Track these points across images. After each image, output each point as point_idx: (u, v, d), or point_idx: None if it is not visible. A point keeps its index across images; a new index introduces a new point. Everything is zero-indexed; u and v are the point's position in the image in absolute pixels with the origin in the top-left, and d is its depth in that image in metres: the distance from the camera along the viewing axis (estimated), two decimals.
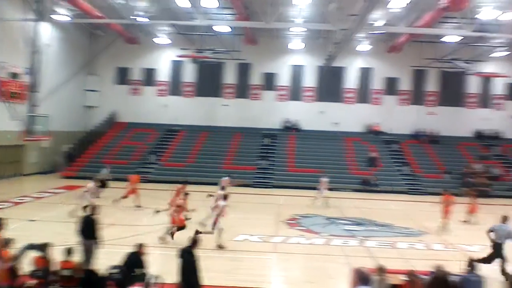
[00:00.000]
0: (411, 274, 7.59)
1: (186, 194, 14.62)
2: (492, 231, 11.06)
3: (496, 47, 29.71)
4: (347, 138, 32.44)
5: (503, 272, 10.46)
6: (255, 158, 29.77)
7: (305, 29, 29.19)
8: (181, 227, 12.71)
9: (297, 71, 34.46)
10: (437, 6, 21.85)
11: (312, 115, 33.86)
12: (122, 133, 32.63)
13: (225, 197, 13.31)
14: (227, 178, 20.48)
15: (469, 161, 29.67)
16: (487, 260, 10.75)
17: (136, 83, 35.00)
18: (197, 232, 12.05)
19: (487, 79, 32.90)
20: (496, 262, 10.72)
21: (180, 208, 13.11)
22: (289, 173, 28.05)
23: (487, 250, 12.96)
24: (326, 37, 30.14)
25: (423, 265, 9.71)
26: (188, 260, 7.70)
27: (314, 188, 21.67)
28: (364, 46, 31.85)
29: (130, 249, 8.60)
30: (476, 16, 23.08)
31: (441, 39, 28.42)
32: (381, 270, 7.46)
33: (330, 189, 23.66)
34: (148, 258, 8.64)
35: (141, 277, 8.20)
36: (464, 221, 17.86)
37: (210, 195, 15.37)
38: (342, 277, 9.80)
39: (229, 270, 10.56)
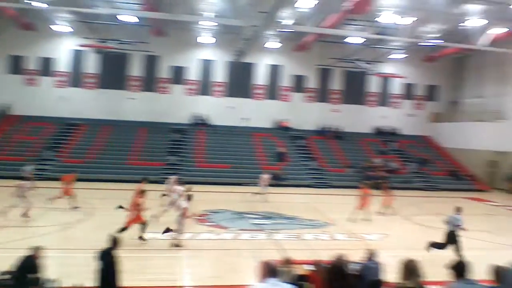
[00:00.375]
0: (316, 264, 7.77)
1: (143, 191, 13.77)
2: (447, 221, 12.14)
3: (394, 50, 31.91)
4: (256, 133, 32.77)
5: (459, 256, 11.21)
6: (163, 154, 28.85)
7: (215, 24, 28.87)
8: (143, 224, 12.53)
9: (206, 66, 34.05)
10: (342, 8, 22.84)
11: (222, 110, 33.70)
12: (15, 127, 29.71)
13: (189, 198, 12.89)
14: (174, 177, 19.54)
15: (370, 155, 31.60)
16: (442, 246, 11.85)
17: (32, 73, 32.09)
18: (168, 230, 12.20)
19: (386, 79, 35.31)
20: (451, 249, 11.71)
21: (140, 206, 12.69)
22: (198, 169, 27.60)
23: (386, 239, 13.82)
24: (236, 32, 30.09)
25: (328, 255, 9.93)
26: (108, 262, 7.22)
27: (224, 184, 21.56)
28: (273, 43, 32.37)
29: (24, 253, 7.81)
30: (377, 19, 24.50)
31: (345, 40, 29.78)
32: (288, 262, 7.55)
33: (240, 184, 23.81)
34: (45, 261, 7.85)
35: (35, 282, 7.49)
36: (379, 213, 18.64)
37: (164, 195, 15.91)
38: (250, 270, 9.71)
39: (136, 270, 9.92)
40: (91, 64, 32.53)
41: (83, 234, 13.39)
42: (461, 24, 25.37)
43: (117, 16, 25.94)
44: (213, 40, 32.68)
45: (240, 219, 16.90)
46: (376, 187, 20.39)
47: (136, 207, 12.61)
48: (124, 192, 19.45)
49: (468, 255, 10.41)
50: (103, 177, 24.54)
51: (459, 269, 4.70)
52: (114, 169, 25.63)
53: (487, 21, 24.47)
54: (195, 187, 23.94)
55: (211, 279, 9.96)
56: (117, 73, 32.88)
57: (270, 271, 4.51)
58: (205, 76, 34.01)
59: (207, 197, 21.62)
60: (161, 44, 31.78)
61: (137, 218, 12.53)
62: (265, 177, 21.53)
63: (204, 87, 34.02)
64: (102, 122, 31.41)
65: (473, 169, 31.35)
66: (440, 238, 12.28)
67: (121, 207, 14.13)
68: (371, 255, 8.19)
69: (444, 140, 34.98)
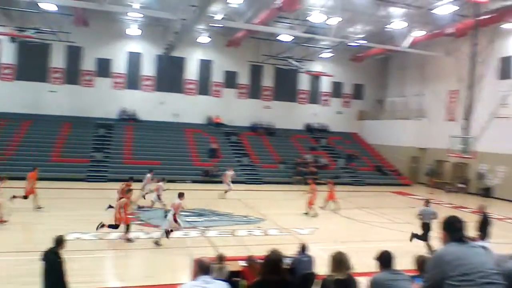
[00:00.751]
0: (249, 259, 7.65)
1: (130, 190, 13.85)
2: (420, 214, 13.05)
3: (323, 49, 32.75)
4: (188, 129, 32.12)
5: (428, 246, 12.25)
6: (88, 150, 27.34)
7: (142, 15, 27.84)
8: (127, 225, 12.43)
9: (134, 59, 32.69)
10: (273, 5, 22.98)
11: (151, 105, 32.58)
12: None
13: (180, 195, 12.69)
14: (149, 174, 18.99)
15: (301, 152, 32.21)
16: (424, 238, 12.60)
17: None
18: (102, 226, 12.18)
19: (316, 77, 36.15)
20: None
21: (125, 205, 12.62)
22: (125, 166, 26.45)
23: (316, 233, 14.03)
24: (166, 25, 29.33)
25: (261, 250, 9.87)
26: (53, 262, 6.80)
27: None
28: (204, 38, 31.91)
29: None
30: (307, 18, 24.94)
31: (277, 38, 30.06)
32: (221, 258, 7.53)
33: (171, 181, 23.05)
34: None
35: None
36: (321, 207, 18.82)
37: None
38: (183, 268, 9.48)
39: None
40: (7, 54, 29.96)
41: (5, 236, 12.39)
42: (385, 26, 26.58)
43: (37, 4, 24.18)
44: (141, 32, 31.48)
45: None
46: (306, 182, 20.80)
47: (121, 207, 12.48)
48: (47, 191, 18.25)
49: (393, 246, 10.81)
50: (23, 175, 22.64)
51: (384, 259, 4.74)
52: (35, 166, 23.75)
53: (408, 24, 25.81)
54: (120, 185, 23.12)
55: (142, 278, 9.60)
56: (36, 64, 30.56)
57: (201, 268, 4.32)
58: (133, 69, 32.64)
59: (136, 195, 20.76)
60: (85, 34, 30.03)
61: (121, 218, 12.36)
62: (229, 173, 21.85)
63: (132, 81, 32.66)
64: (21, 116, 29.01)
65: (396, 165, 33.04)
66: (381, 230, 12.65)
67: (110, 206, 13.98)
68: (303, 249, 8.27)
69: (370, 137, 36.55)
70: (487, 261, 3.41)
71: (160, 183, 17.19)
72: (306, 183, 27.82)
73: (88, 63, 31.61)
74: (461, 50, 25.37)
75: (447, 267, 3.33)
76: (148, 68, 32.95)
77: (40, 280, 6.78)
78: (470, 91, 24.47)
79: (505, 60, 26.05)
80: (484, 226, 11.95)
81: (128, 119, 31.86)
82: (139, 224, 14.89)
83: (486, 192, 25.91)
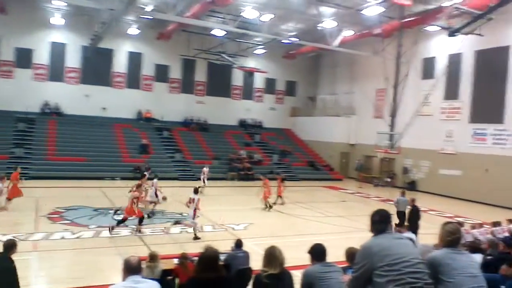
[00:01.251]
0: (183, 257, 7.55)
1: (140, 186, 14.45)
2: (396, 203, 14.38)
3: (256, 45, 32.79)
4: (116, 124, 30.75)
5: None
6: (7, 146, 25.27)
7: (66, 4, 26.21)
8: (141, 218, 13.18)
9: (58, 49, 30.60)
10: None
11: (76, 99, 30.69)
12: None
13: (195, 191, 13.55)
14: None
15: (235, 147, 32.06)
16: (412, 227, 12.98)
17: None
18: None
19: (249, 73, 36.14)
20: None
21: (138, 199, 13.36)
22: (49, 162, 24.80)
23: (251, 228, 13.98)
24: (92, 15, 27.85)
25: (196, 248, 9.65)
26: (5, 268, 6.25)
27: (80, 178, 19.79)
28: (134, 30, 30.69)
29: None
30: (241, 14, 24.77)
31: (210, 32, 29.62)
32: (153, 257, 7.36)
33: (99, 178, 22.13)
34: None
35: None
36: (274, 203, 18.90)
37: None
38: (113, 269, 9.07)
39: None
40: None
41: None
42: (317, 25, 27.13)
43: None
44: (66, 21, 29.61)
45: (100, 215, 15.56)
46: (245, 178, 20.92)
47: (134, 201, 13.11)
48: None
49: (326, 239, 11.00)
50: None
51: (316, 252, 4.80)
52: None
53: (338, 24, 26.51)
54: (45, 183, 21.67)
55: (70, 280, 8.99)
56: None
57: (129, 268, 4.05)
58: (57, 60, 30.52)
59: (61, 193, 19.61)
60: (3, 22, 27.73)
61: (132, 211, 13.01)
62: (205, 170, 22.36)
63: (55, 73, 30.52)
64: None
65: (328, 160, 33.96)
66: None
67: (117, 211, 14.49)
68: (238, 245, 8.26)
69: (303, 133, 37.27)
70: (412, 252, 3.55)
71: (155, 180, 17.05)
72: (240, 179, 27.91)
73: (6, 53, 29.10)
74: (387, 51, 26.52)
75: (375, 258, 3.45)
76: (73, 60, 31.03)
77: None
78: (396, 90, 25.69)
79: (427, 61, 27.63)
80: (414, 217, 12.51)
81: (51, 113, 29.86)
82: (64, 224, 14.04)
83: (411, 186, 27.44)
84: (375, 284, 3.43)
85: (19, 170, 16.89)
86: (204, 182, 22.02)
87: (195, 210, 12.99)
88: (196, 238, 12.65)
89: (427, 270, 3.52)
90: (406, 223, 12.04)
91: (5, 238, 11.37)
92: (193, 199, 13.15)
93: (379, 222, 3.72)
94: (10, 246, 6.50)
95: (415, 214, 12.70)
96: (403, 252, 3.46)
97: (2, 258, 6.36)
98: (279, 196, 19.58)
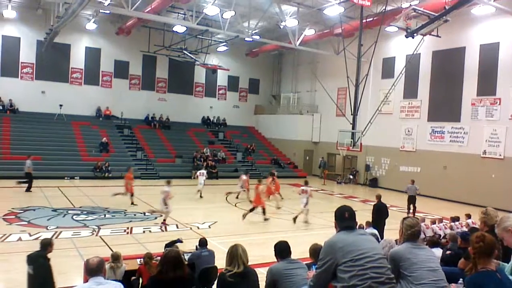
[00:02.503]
0: (146, 257, 7.41)
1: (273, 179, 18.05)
2: (407, 189, 18.58)
3: (219, 42, 32.55)
4: (74, 122, 29.74)
5: (414, 213, 17.82)
6: None
7: None
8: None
9: (11, 43, 29.20)
10: None
11: (31, 95, 29.41)
12: None
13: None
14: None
15: (198, 145, 31.73)
16: (409, 207, 18.20)
17: None
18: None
19: (212, 71, 35.80)
20: None
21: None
22: (3, 161, 23.73)
23: (216, 226, 13.91)
24: (47, 9, 26.80)
25: (159, 247, 9.52)
26: (41, 264, 6.64)
27: (35, 178, 19.00)
28: (92, 24, 29.73)
29: None
30: (203, 11, 24.50)
31: (172, 28, 29.17)
32: (116, 257, 7.22)
33: (56, 178, 21.37)
34: None
35: None
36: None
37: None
38: (74, 270, 8.92)
39: None
40: None
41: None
42: (278, 23, 27.26)
43: None
44: (19, 14, 28.37)
45: (59, 216, 15.00)
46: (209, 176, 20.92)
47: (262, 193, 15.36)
48: None
49: (289, 236, 11.09)
50: None
51: (280, 249, 4.87)
52: None
53: (300, 23, 26.73)
54: None
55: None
56: None
57: (92, 269, 3.97)
58: (9, 55, 29.04)
59: (16, 194, 18.78)
60: None
61: (260, 201, 15.61)
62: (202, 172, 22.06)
63: (8, 68, 29.06)
64: None
65: (292, 158, 34.22)
66: None
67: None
68: (202, 243, 8.22)
69: (266, 131, 37.40)
70: (375, 247, 3.64)
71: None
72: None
73: None
74: (348, 50, 26.96)
75: (338, 254, 3.49)
76: (27, 55, 29.75)
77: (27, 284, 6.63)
78: (357, 89, 26.14)
79: (387, 61, 28.32)
80: (380, 214, 12.69)
81: (4, 110, 28.55)
82: (21, 225, 13.45)
83: (373, 183, 28.07)
84: (339, 279, 3.47)
85: None
86: (201, 184, 21.02)
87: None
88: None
89: (389, 265, 3.62)
90: (372, 219, 12.21)
91: None
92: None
93: (341, 219, 3.75)
94: (47, 244, 6.92)
95: (381, 210, 12.85)
96: (366, 248, 3.51)
97: (39, 256, 6.78)
98: (277, 194, 20.23)
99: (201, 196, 20.43)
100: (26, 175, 19.55)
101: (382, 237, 10.17)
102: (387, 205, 13.37)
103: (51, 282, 6.82)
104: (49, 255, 6.87)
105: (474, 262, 3.39)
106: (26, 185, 19.51)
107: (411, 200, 18.37)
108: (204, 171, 22.26)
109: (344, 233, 3.65)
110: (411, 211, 18.16)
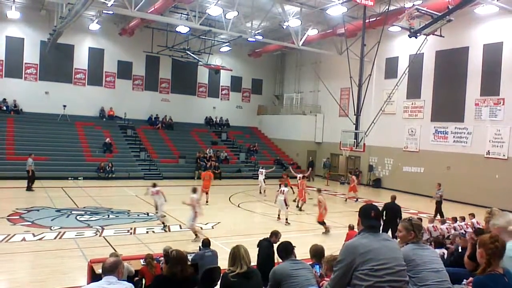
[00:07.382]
0: (149, 257, 7.49)
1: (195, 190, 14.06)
2: (436, 194, 18.05)
3: (222, 43, 32.57)
4: (78, 122, 29.83)
5: (442, 214, 17.08)
6: None
7: None
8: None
9: (15, 44, 29.29)
10: None
11: (35, 96, 29.51)
12: None
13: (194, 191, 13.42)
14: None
15: (202, 146, 31.73)
16: (439, 213, 17.18)
17: None
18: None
19: (215, 71, 35.79)
20: None
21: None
22: (7, 162, 23.82)
23: (219, 227, 13.89)
24: (51, 9, 26.85)
25: (162, 248, 9.57)
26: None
27: (40, 178, 19.07)
28: (95, 25, 29.80)
29: None
30: (206, 11, 24.53)
31: (175, 29, 29.19)
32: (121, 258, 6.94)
33: (61, 178, 21.43)
34: None
35: None
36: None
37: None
38: (77, 271, 8.97)
39: None
40: None
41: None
42: (281, 24, 27.23)
43: None
44: (23, 15, 28.40)
45: (63, 216, 15.09)
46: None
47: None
48: None
49: (292, 237, 11.05)
50: None
51: (283, 250, 4.91)
52: None
53: (303, 23, 26.68)
54: (3, 183, 20.79)
55: (32, 284, 8.70)
56: None
57: (105, 268, 4.10)
58: (14, 56, 29.21)
59: (20, 194, 18.88)
60: None
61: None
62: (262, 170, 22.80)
63: (12, 69, 29.25)
64: None
65: (295, 158, 34.16)
66: None
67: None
68: (205, 244, 8.26)
69: (269, 131, 37.38)
70: (396, 257, 3.46)
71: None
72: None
73: None
74: (351, 50, 26.90)
75: (358, 259, 3.35)
76: (31, 55, 29.85)
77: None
78: (360, 89, 26.08)
79: (390, 61, 28.26)
80: (387, 214, 12.32)
81: (9, 111, 28.66)
82: (25, 225, 13.51)
83: (376, 183, 28.00)
84: (354, 286, 3.36)
85: None
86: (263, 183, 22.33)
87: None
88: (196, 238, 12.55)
89: (407, 278, 3.50)
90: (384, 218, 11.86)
91: None
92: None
93: (370, 217, 3.60)
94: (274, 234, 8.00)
95: (391, 211, 12.29)
96: (387, 258, 3.38)
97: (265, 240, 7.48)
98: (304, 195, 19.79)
99: (260, 192, 22.45)
100: (27, 174, 19.60)
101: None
102: (400, 207, 12.78)
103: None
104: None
105: (488, 263, 3.35)
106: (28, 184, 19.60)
107: (438, 204, 17.75)
108: (263, 170, 22.95)
109: (367, 237, 3.48)
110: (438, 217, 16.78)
